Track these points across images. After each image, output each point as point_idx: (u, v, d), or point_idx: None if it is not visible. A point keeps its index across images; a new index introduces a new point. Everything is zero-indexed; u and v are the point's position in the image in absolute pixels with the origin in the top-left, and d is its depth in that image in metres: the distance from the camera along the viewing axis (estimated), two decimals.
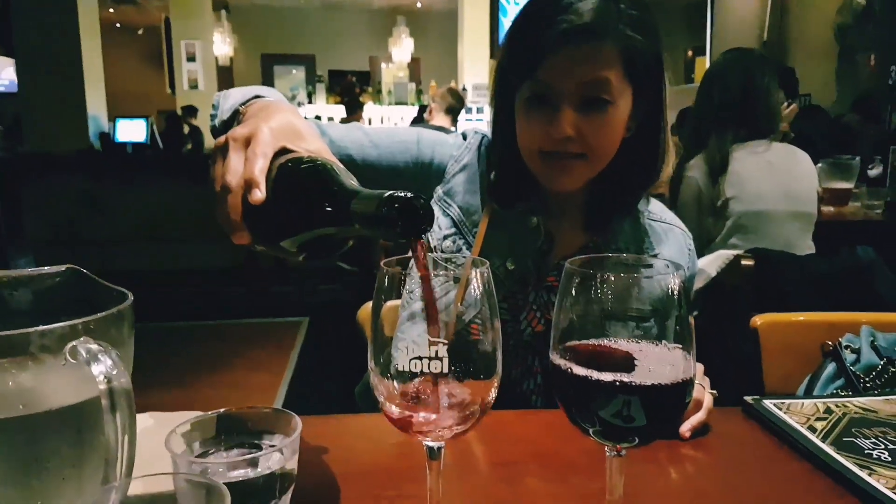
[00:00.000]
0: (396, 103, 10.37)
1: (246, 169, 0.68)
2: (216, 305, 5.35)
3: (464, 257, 1.11)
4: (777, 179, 2.32)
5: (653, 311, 0.53)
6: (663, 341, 0.53)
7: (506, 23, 8.05)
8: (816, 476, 0.79)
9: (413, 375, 0.53)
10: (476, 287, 0.56)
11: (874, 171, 3.89)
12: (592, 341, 0.54)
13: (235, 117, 0.91)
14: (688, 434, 0.88)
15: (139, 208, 6.08)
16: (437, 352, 0.53)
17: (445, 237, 1.14)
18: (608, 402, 0.52)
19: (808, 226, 2.38)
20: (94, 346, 0.47)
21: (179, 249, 6.17)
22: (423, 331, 0.55)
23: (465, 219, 1.14)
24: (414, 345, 0.53)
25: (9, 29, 6.34)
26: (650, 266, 0.62)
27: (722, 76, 2.41)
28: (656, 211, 1.20)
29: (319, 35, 12.68)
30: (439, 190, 1.17)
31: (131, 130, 6.59)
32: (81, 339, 0.47)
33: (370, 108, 10.13)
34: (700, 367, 0.99)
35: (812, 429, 0.88)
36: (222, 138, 0.74)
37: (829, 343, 1.21)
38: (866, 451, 0.82)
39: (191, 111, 8.50)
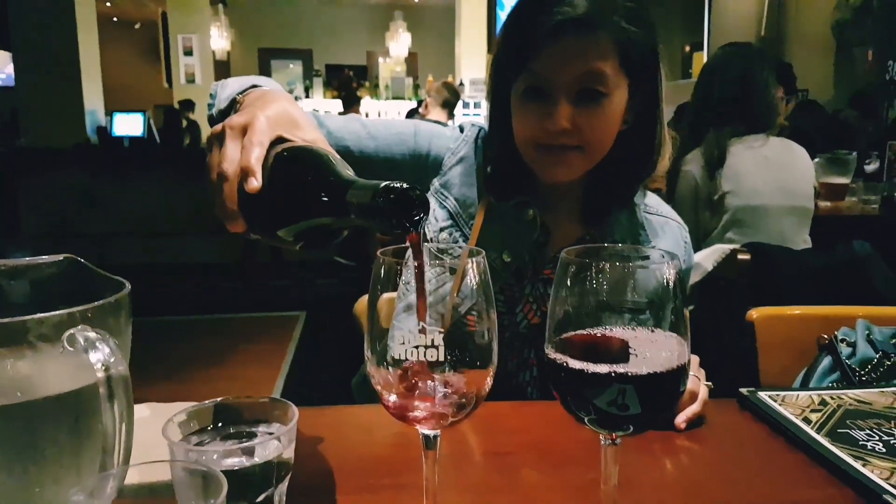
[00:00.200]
0: (394, 98, 10.36)
1: (242, 157, 0.68)
2: (213, 300, 5.35)
3: (460, 247, 1.11)
4: (774, 174, 2.32)
5: (648, 300, 0.54)
6: (658, 330, 0.54)
7: (503, 17, 8.01)
8: (811, 467, 0.80)
9: (409, 363, 0.54)
10: (472, 277, 0.56)
11: (871, 167, 3.90)
12: (588, 330, 0.55)
13: (233, 106, 0.91)
14: (683, 425, 0.89)
15: (136, 203, 6.07)
16: (432, 340, 0.53)
17: (442, 229, 1.14)
18: (603, 391, 0.52)
19: (805, 220, 2.39)
20: (92, 334, 0.47)
21: (176, 244, 6.16)
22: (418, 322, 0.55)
23: (462, 211, 1.14)
24: (410, 334, 0.53)
25: (6, 23, 6.33)
26: (646, 256, 0.63)
27: (720, 70, 2.41)
28: (653, 204, 1.21)
29: (317, 29, 12.65)
30: (436, 182, 1.17)
31: (128, 124, 6.58)
32: (79, 327, 0.47)
33: (367, 103, 10.11)
34: (695, 359, 0.99)
35: (807, 420, 0.89)
36: (219, 126, 0.74)
37: (825, 337, 1.21)
38: (861, 443, 0.82)
39: (188, 105, 8.48)
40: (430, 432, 0.58)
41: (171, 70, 9.47)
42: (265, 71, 12.25)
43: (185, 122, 8.22)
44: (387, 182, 0.56)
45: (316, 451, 0.82)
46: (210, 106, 1.00)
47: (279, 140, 0.72)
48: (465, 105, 7.41)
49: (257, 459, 0.56)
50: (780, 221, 2.33)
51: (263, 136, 0.70)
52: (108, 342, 0.47)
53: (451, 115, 4.95)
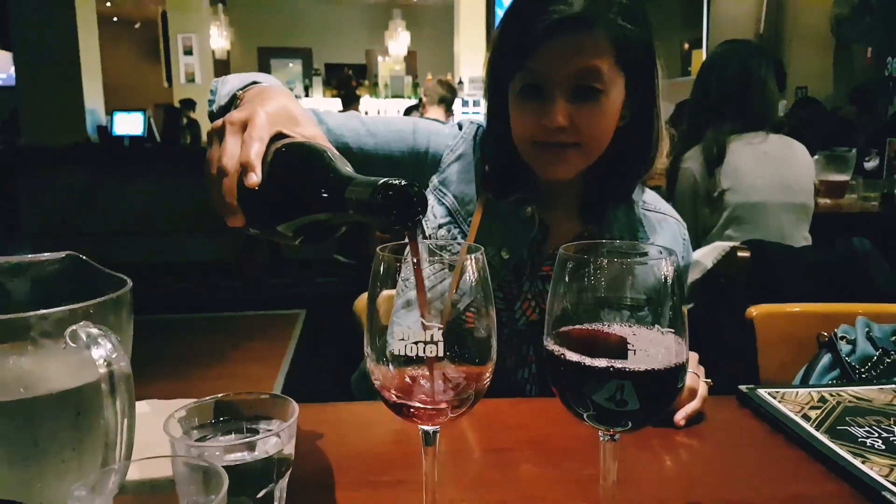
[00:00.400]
0: (393, 96, 10.34)
1: (242, 152, 0.69)
2: (213, 298, 5.35)
3: (459, 244, 1.11)
4: (773, 171, 2.32)
5: (646, 297, 0.54)
6: (656, 326, 0.54)
7: (502, 14, 8.01)
8: (810, 464, 0.80)
9: (408, 359, 0.54)
10: (471, 273, 0.56)
11: (871, 163, 3.90)
12: (586, 326, 0.55)
13: (233, 102, 0.91)
14: (682, 422, 0.89)
15: (136, 202, 6.07)
16: (431, 336, 0.53)
17: (440, 226, 1.15)
18: (602, 387, 0.52)
19: (805, 217, 2.39)
20: (94, 330, 0.47)
21: (176, 242, 6.16)
22: (418, 318, 0.55)
23: (460, 208, 1.15)
24: (409, 330, 0.54)
25: (6, 22, 6.32)
26: (644, 253, 0.63)
27: (719, 67, 2.41)
28: (651, 201, 1.21)
29: (316, 28, 12.64)
30: (434, 179, 1.17)
31: (128, 124, 6.57)
32: (81, 323, 0.48)
33: (366, 101, 10.10)
34: (694, 356, 1.00)
35: (806, 417, 0.89)
36: (219, 122, 0.74)
37: (825, 334, 1.22)
38: (860, 440, 0.83)
39: (188, 104, 8.47)
40: (430, 429, 0.58)
41: (171, 69, 9.46)
42: (264, 70, 12.19)
43: (185, 121, 8.22)
44: (385, 179, 0.57)
45: (316, 447, 0.82)
46: (210, 102, 1.00)
47: (279, 136, 0.72)
48: (465, 103, 7.41)
49: (258, 455, 0.57)
50: (779, 218, 2.33)
51: (263, 132, 0.71)
52: (110, 338, 0.47)
53: (449, 113, 4.94)
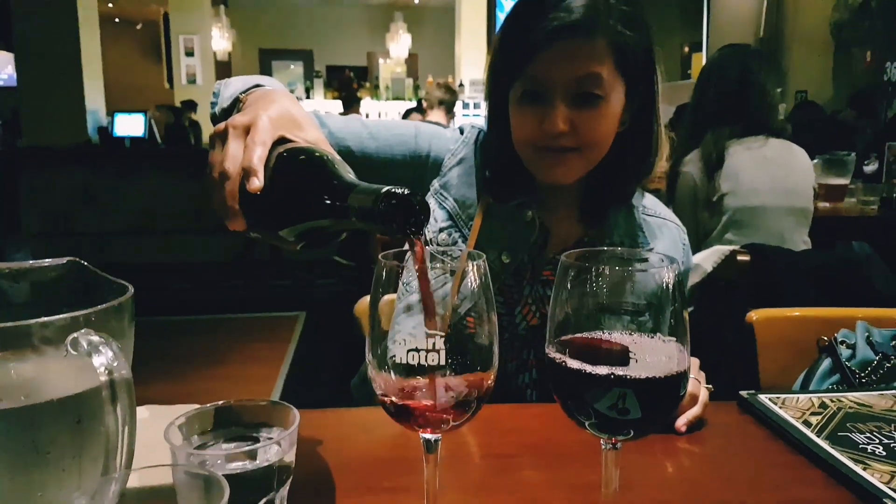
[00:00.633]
0: (394, 98, 10.36)
1: (245, 157, 0.69)
2: (213, 299, 5.35)
3: (460, 250, 1.11)
4: (773, 174, 2.32)
5: (647, 304, 0.54)
6: (658, 334, 0.54)
7: (503, 18, 8.02)
8: (811, 470, 0.80)
9: (410, 367, 0.54)
10: (472, 280, 0.56)
11: (870, 167, 3.90)
12: (588, 334, 0.55)
13: (235, 105, 0.92)
14: (683, 428, 0.89)
15: (135, 201, 6.08)
16: (433, 344, 0.53)
17: (441, 230, 1.15)
18: (603, 395, 0.52)
19: (805, 221, 2.39)
20: (96, 338, 0.47)
21: (176, 243, 6.17)
22: (418, 322, 0.55)
23: (461, 212, 1.15)
24: (411, 337, 0.54)
25: (8, 23, 6.33)
26: (645, 260, 0.63)
27: (718, 71, 2.42)
28: (650, 205, 1.21)
29: (317, 30, 12.66)
30: (436, 183, 1.17)
31: (129, 125, 6.58)
32: (83, 330, 0.48)
33: (367, 103, 10.12)
34: (696, 362, 1.00)
35: (807, 423, 0.89)
36: (222, 125, 0.74)
37: (825, 338, 1.22)
38: (861, 446, 0.83)
39: (189, 105, 8.48)
40: (431, 436, 0.58)
41: (173, 70, 9.47)
42: (266, 71, 12.26)
43: (186, 123, 8.23)
44: (388, 187, 0.57)
45: (316, 453, 0.82)
46: (213, 105, 1.00)
47: (281, 140, 0.73)
48: (465, 105, 7.43)
49: (259, 463, 0.56)
50: (779, 222, 2.33)
51: (266, 136, 0.71)
52: (112, 346, 0.47)
53: (450, 116, 4.94)
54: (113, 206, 6.07)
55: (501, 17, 8.10)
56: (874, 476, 0.75)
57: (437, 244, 1.14)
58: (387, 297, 0.57)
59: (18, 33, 6.30)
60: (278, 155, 0.70)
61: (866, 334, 1.18)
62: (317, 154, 0.69)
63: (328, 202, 0.62)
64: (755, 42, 7.46)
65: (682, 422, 0.89)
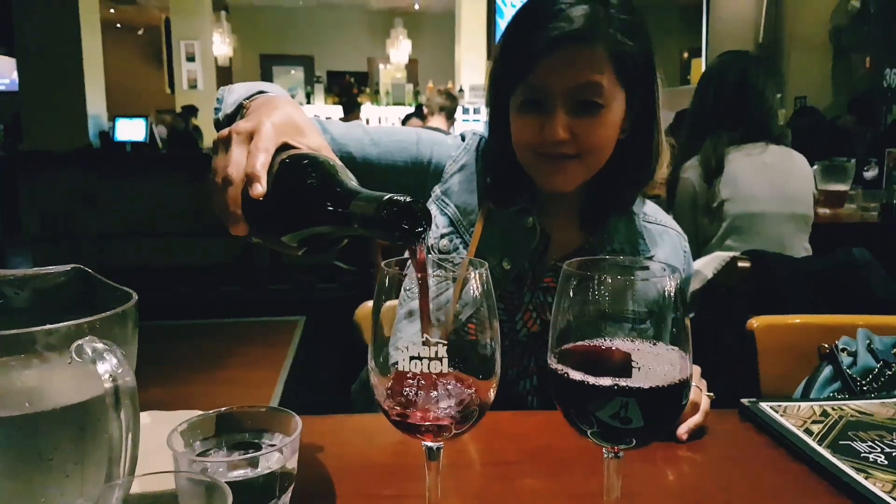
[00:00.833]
0: (394, 104, 10.37)
1: (248, 163, 0.69)
2: (212, 303, 5.35)
3: (461, 257, 1.12)
4: (773, 181, 2.32)
5: (650, 313, 0.54)
6: (660, 343, 0.54)
7: (502, 24, 8.06)
8: (812, 478, 0.80)
9: (413, 376, 0.54)
10: (475, 288, 0.56)
11: (870, 174, 3.90)
12: (590, 343, 0.55)
13: (239, 111, 0.92)
14: (685, 436, 0.89)
15: (135, 205, 6.08)
16: (436, 352, 0.53)
17: (442, 236, 1.15)
18: (605, 404, 0.52)
19: (805, 227, 2.39)
20: (100, 345, 0.47)
21: (176, 246, 6.17)
22: (419, 329, 0.55)
23: (462, 218, 1.15)
24: (412, 344, 0.54)
25: (10, 28, 6.35)
26: (647, 268, 0.63)
27: (717, 78, 2.42)
28: (651, 213, 1.21)
29: (318, 36, 12.69)
30: (437, 189, 1.17)
31: (130, 130, 6.59)
32: (87, 337, 0.48)
33: (368, 109, 10.13)
34: (697, 370, 1.00)
35: (808, 431, 0.89)
36: (225, 131, 0.75)
37: (826, 346, 1.22)
38: (862, 455, 0.83)
39: (190, 111, 8.50)
40: (434, 444, 0.58)
41: (174, 75, 9.49)
42: (267, 77, 12.28)
43: (190, 127, 8.25)
44: (391, 195, 0.57)
45: (317, 459, 0.82)
46: (216, 111, 1.01)
47: (284, 146, 0.73)
48: (465, 111, 7.44)
49: (261, 470, 0.57)
50: (779, 228, 2.33)
51: (269, 143, 0.71)
52: (116, 353, 0.48)
53: (451, 121, 4.95)
54: (113, 210, 6.08)
55: (501, 23, 8.15)
56: (876, 485, 0.75)
57: (439, 250, 1.14)
58: (388, 304, 0.57)
59: (21, 38, 6.32)
60: (281, 161, 0.70)
61: (867, 342, 1.18)
62: (320, 161, 0.69)
63: (330, 209, 0.62)
64: (754, 47, 7.48)
65: (683, 430, 0.89)
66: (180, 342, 4.31)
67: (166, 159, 6.82)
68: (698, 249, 2.34)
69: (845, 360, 1.16)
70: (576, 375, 0.53)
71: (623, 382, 0.51)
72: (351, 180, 0.66)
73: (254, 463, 0.57)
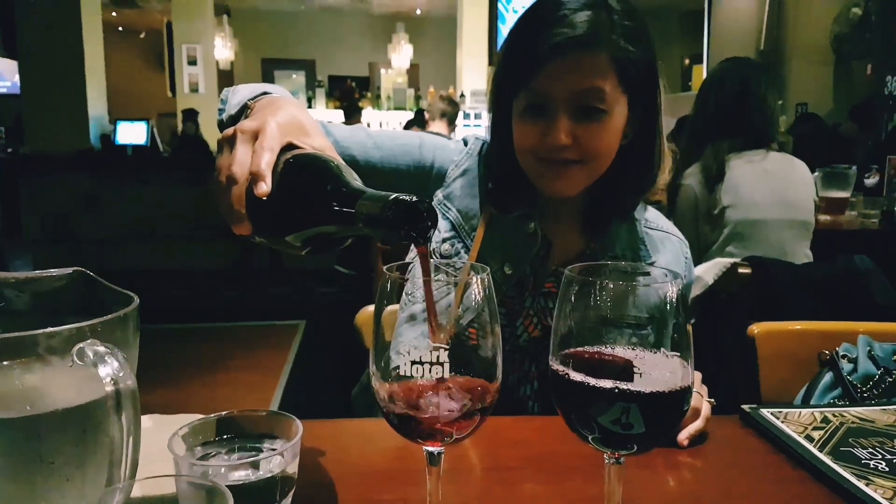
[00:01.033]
0: (395, 108, 10.40)
1: (253, 162, 0.69)
2: (213, 306, 5.35)
3: (462, 261, 1.12)
4: (774, 188, 2.33)
5: (651, 319, 0.54)
6: (662, 349, 0.54)
7: (504, 30, 8.10)
8: (813, 485, 0.80)
9: (414, 381, 0.54)
10: (476, 292, 0.56)
11: (871, 181, 3.91)
12: (592, 348, 0.55)
13: (243, 112, 0.92)
14: (686, 442, 0.89)
15: (136, 208, 6.09)
16: (437, 356, 0.53)
17: (444, 240, 1.15)
18: (607, 410, 0.52)
19: (806, 234, 2.39)
20: (101, 348, 0.47)
21: (177, 250, 6.17)
22: (420, 333, 0.55)
23: (464, 222, 1.15)
24: (414, 349, 0.54)
25: (12, 31, 6.37)
26: (649, 274, 0.63)
27: (718, 84, 2.42)
28: (652, 219, 1.21)
29: (320, 40, 12.72)
30: (439, 194, 1.18)
31: (132, 133, 6.61)
32: (88, 340, 0.48)
33: (369, 113, 10.15)
34: (698, 376, 1.00)
35: (809, 438, 0.89)
36: (230, 130, 0.75)
37: (826, 352, 1.22)
38: (863, 461, 0.82)
39: (191, 114, 8.50)
40: (435, 449, 0.58)
41: (175, 79, 9.50)
42: (268, 81, 12.22)
43: (194, 129, 8.26)
44: (396, 194, 0.57)
45: (318, 464, 0.82)
46: (220, 111, 1.01)
47: (289, 146, 0.73)
48: (466, 116, 7.46)
49: (262, 474, 0.56)
50: (780, 235, 2.33)
51: (274, 142, 0.71)
52: (117, 356, 0.47)
53: (451, 126, 4.97)
54: (114, 213, 6.09)
55: (503, 28, 8.17)
56: (877, 492, 0.75)
57: (440, 254, 1.14)
58: (390, 308, 0.57)
59: (22, 40, 6.34)
60: (286, 160, 0.70)
61: (868, 348, 1.18)
62: (324, 160, 0.69)
63: (336, 208, 0.62)
64: (756, 54, 7.49)
65: (684, 435, 0.89)
66: (181, 345, 4.30)
67: (167, 163, 6.84)
68: (699, 256, 2.34)
69: (846, 366, 1.16)
70: (578, 380, 0.53)
71: (625, 387, 0.51)
72: (356, 180, 0.66)
73: (255, 467, 0.57)
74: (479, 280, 0.56)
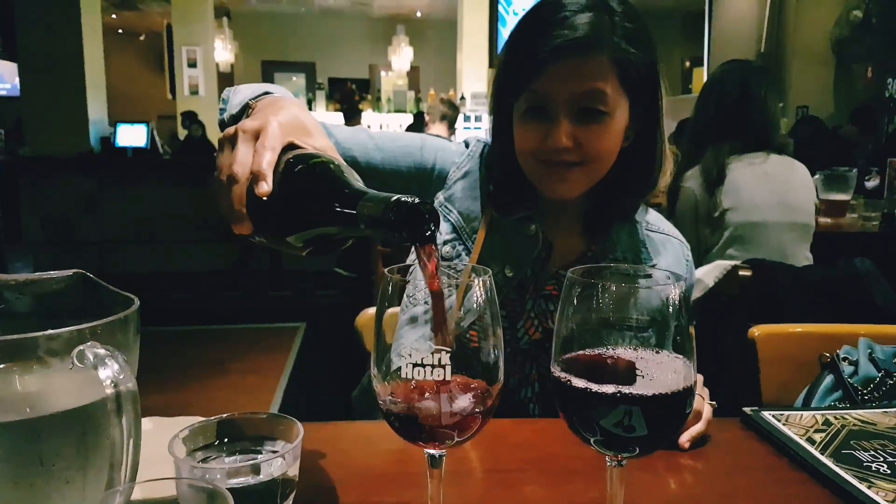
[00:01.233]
0: (395, 111, 10.40)
1: (254, 161, 0.69)
2: (213, 309, 5.34)
3: (463, 264, 1.11)
4: (774, 190, 2.33)
5: (654, 321, 0.54)
6: (664, 351, 0.54)
7: (504, 32, 8.09)
8: (815, 488, 0.79)
9: (415, 383, 0.54)
10: (478, 295, 0.56)
11: (871, 183, 3.91)
12: (594, 351, 0.55)
13: (244, 111, 0.92)
14: (687, 444, 0.89)
15: (136, 210, 6.09)
16: (439, 359, 0.53)
17: (445, 242, 1.15)
18: (609, 412, 0.52)
19: (806, 237, 2.39)
20: (102, 351, 0.47)
21: (176, 252, 6.17)
22: (421, 335, 0.55)
23: (465, 225, 1.15)
24: (415, 351, 0.53)
25: (12, 33, 6.37)
26: (650, 276, 0.63)
27: (719, 87, 2.43)
28: (654, 221, 1.21)
29: (320, 43, 12.73)
30: (440, 196, 1.18)
31: (132, 135, 6.61)
32: (89, 343, 0.48)
33: (369, 116, 10.16)
34: (700, 378, 0.99)
35: (811, 440, 0.89)
36: (231, 129, 0.74)
37: (827, 355, 1.21)
38: (865, 464, 0.82)
39: (191, 117, 8.51)
40: (436, 452, 0.58)
41: (175, 81, 9.51)
42: (268, 83, 12.28)
43: (198, 132, 8.27)
44: (398, 196, 0.56)
45: (319, 466, 0.82)
46: (221, 111, 1.01)
47: (291, 146, 0.73)
48: (467, 118, 7.46)
49: (263, 477, 0.56)
50: (780, 237, 2.33)
51: (275, 142, 0.71)
52: (118, 358, 0.47)
53: (451, 129, 4.98)
54: (114, 215, 6.09)
55: (503, 31, 8.18)
56: (878, 494, 0.75)
57: (441, 257, 1.14)
58: (391, 310, 0.57)
59: (22, 43, 6.34)
60: (287, 160, 0.70)
61: (869, 351, 1.18)
62: (326, 161, 0.69)
63: (337, 209, 0.62)
64: (756, 57, 7.50)
65: (685, 438, 0.89)
66: (181, 348, 4.30)
67: (167, 165, 6.84)
68: (699, 258, 2.34)
69: (847, 369, 1.16)
70: (579, 383, 0.53)
71: (627, 390, 0.51)
72: (357, 181, 0.66)
73: (255, 469, 0.57)
74: (480, 282, 0.56)
